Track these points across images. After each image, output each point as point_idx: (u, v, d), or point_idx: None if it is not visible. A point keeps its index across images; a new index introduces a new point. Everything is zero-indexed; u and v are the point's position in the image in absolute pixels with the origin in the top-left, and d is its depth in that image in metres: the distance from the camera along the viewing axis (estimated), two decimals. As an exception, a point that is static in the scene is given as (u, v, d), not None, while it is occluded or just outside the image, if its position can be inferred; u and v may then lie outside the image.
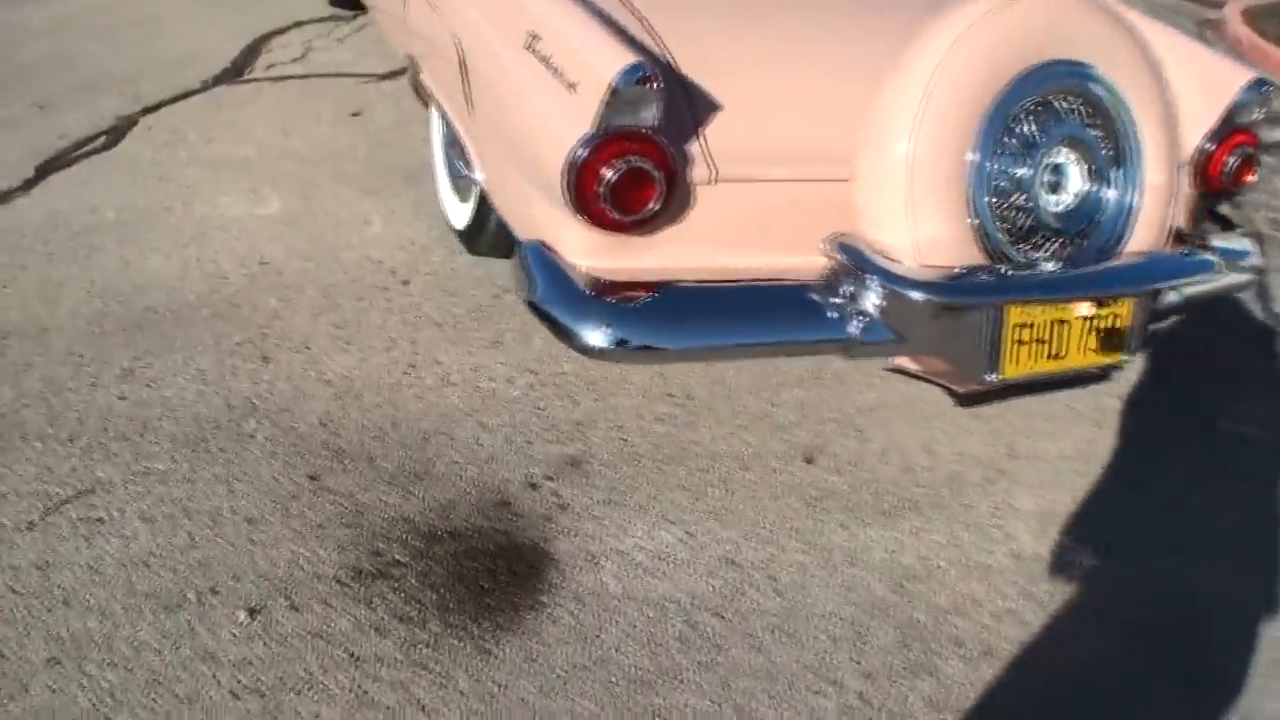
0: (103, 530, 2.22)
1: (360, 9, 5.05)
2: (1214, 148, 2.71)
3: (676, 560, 2.34)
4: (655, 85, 2.12)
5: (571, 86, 2.24)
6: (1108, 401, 3.10)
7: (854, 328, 2.33)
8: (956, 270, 2.33)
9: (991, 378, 2.43)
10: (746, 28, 2.48)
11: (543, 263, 2.36)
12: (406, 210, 3.63)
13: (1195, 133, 2.71)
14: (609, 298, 2.27)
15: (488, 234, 3.17)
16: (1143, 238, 2.54)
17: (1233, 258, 2.79)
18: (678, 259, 2.38)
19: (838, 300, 2.35)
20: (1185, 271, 2.57)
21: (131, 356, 2.78)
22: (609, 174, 2.16)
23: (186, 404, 2.62)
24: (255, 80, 4.59)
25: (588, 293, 2.28)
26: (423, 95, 3.51)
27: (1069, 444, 2.94)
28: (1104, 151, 2.46)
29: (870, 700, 2.10)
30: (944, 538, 2.54)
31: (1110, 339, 2.56)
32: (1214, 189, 2.78)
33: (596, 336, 2.22)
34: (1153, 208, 2.53)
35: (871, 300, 2.33)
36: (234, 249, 3.31)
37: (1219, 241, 2.82)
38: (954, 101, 2.27)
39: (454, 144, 3.30)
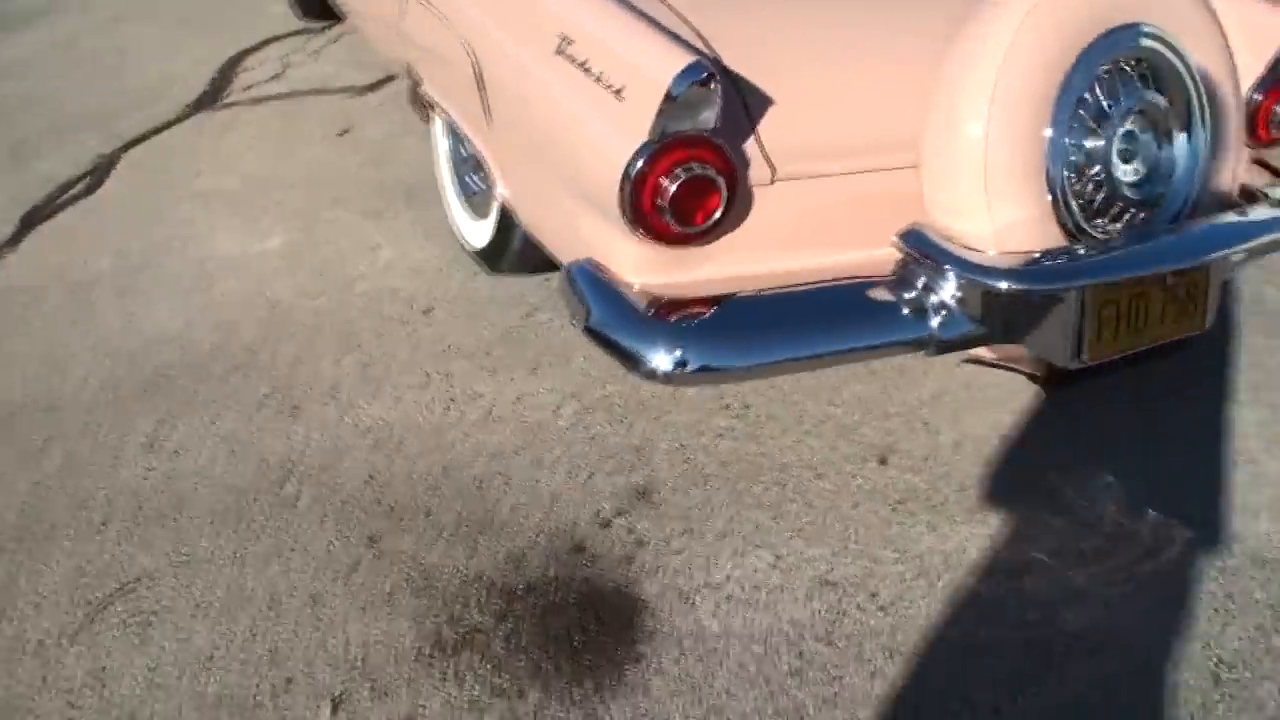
0: (155, 629, 2.04)
1: (332, 18, 4.83)
2: (1261, 98, 2.58)
3: (771, 587, 2.19)
4: (715, 85, 1.96)
5: (617, 92, 2.08)
6: (1170, 369, 2.95)
7: (933, 323, 2.18)
8: (1039, 255, 2.17)
9: (1079, 361, 2.29)
10: (790, 14, 2.32)
11: (595, 284, 2.19)
12: (414, 232, 3.44)
13: (1243, 83, 2.57)
14: (672, 317, 2.11)
15: (511, 252, 3.00)
16: (1211, 198, 2.40)
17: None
18: (736, 266, 2.23)
19: (911, 296, 2.20)
20: (1262, 230, 2.42)
21: (152, 424, 2.60)
22: (669, 185, 2.00)
23: (219, 472, 2.44)
24: (235, 104, 4.37)
25: (649, 313, 2.12)
26: (423, 108, 3.32)
27: (1136, 417, 2.80)
28: (1173, 114, 2.32)
29: (1006, 715, 1.96)
30: (1035, 528, 2.41)
31: (1189, 307, 2.43)
32: (1262, 140, 2.65)
33: (666, 360, 2.05)
34: (1220, 166, 2.40)
35: (949, 292, 2.18)
36: (240, 291, 3.12)
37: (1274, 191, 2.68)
38: (1029, 77, 2.11)
39: (466, 159, 3.13)
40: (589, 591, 2.16)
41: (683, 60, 1.95)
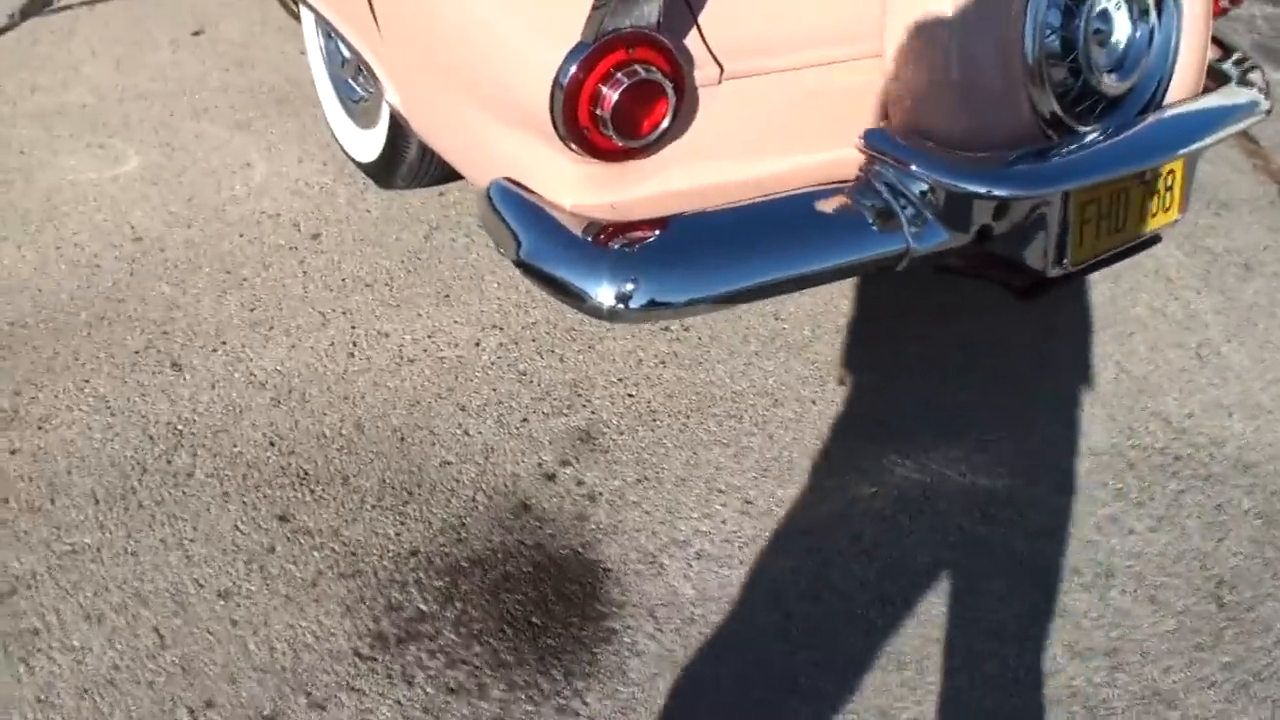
0: (42, 645, 1.72)
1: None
2: None
3: (744, 539, 1.98)
4: (664, -28, 1.66)
5: (533, -11, 1.76)
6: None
7: (908, 233, 1.94)
8: (1022, 155, 1.95)
9: (1061, 267, 2.09)
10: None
11: (523, 209, 1.89)
12: (290, 144, 3.06)
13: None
14: (615, 242, 1.83)
15: (407, 165, 2.66)
16: (1183, 80, 2.21)
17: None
18: (681, 180, 1.96)
19: (879, 205, 1.95)
20: (1242, 115, 2.24)
21: (10, 392, 2.22)
22: (612, 93, 1.71)
23: (96, 445, 2.10)
24: (69, 6, 3.84)
25: (590, 240, 1.84)
26: (291, 5, 2.93)
27: (1093, 309, 2.65)
28: (1146, -13, 2.10)
29: (1008, 661, 1.81)
30: (1013, 445, 2.24)
31: (1166, 199, 2.26)
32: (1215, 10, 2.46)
33: (615, 294, 1.77)
34: (1192, 44, 2.19)
35: (922, 198, 1.94)
36: (98, 225, 2.72)
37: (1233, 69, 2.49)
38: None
39: (347, 61, 2.76)
40: (543, 560, 1.91)
41: (623, -60, 1.64)
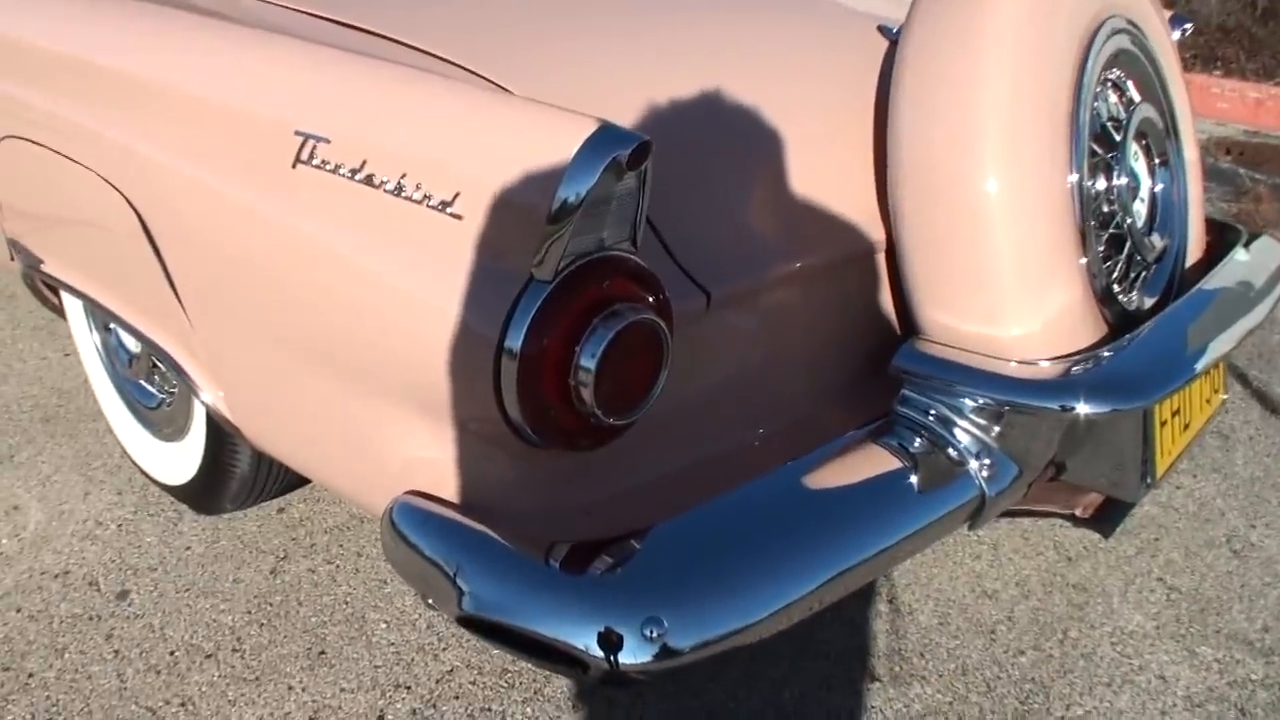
0: None
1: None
2: None
3: None
4: (646, 165, 1.14)
5: (443, 206, 1.21)
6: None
7: (980, 477, 1.43)
8: (1102, 355, 1.49)
9: (1146, 485, 1.62)
10: (661, 72, 1.53)
11: (457, 537, 1.29)
12: (70, 475, 2.34)
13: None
14: (608, 568, 1.24)
15: (236, 481, 2.01)
16: (1195, 234, 1.86)
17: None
18: (671, 455, 1.42)
19: (932, 445, 1.45)
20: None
21: None
22: (593, 354, 1.16)
23: None
24: None
25: (568, 570, 1.24)
26: (50, 296, 2.28)
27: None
28: (1162, 132, 1.75)
29: None
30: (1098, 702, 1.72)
31: (1215, 381, 1.87)
32: None
33: (634, 645, 1.16)
34: (1195, 193, 1.86)
35: (979, 429, 1.45)
36: None
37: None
38: (1039, 99, 1.46)
39: (136, 357, 2.12)
40: None
41: (581, 128, 1.12)
